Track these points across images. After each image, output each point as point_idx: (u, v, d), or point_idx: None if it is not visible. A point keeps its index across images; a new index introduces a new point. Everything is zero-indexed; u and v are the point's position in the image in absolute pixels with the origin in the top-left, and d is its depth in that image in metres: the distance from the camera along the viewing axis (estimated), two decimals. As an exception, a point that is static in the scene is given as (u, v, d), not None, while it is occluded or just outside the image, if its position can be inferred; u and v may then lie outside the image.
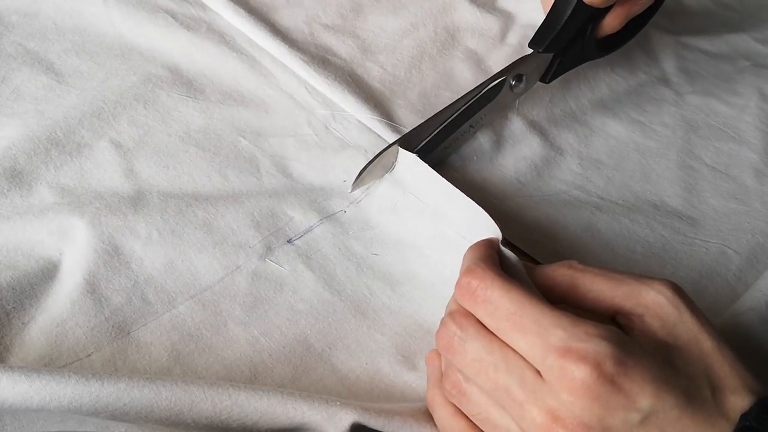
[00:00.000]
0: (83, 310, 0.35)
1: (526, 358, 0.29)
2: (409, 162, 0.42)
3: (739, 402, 0.28)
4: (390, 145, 0.42)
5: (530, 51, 0.47)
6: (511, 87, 0.46)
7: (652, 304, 0.30)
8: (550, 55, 0.47)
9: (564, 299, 0.32)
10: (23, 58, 0.46)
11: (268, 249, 0.40)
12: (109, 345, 0.34)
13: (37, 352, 0.33)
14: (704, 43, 0.61)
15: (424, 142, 0.43)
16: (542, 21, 0.46)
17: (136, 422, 0.31)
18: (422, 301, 0.39)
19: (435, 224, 0.41)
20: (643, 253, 0.44)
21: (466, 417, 0.31)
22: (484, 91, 0.45)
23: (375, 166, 0.42)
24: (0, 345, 0.33)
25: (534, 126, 0.50)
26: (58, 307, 0.35)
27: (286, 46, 0.49)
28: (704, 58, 0.59)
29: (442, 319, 0.32)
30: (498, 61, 0.54)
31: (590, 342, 0.27)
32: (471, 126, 0.46)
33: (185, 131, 0.45)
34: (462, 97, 0.44)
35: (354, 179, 0.42)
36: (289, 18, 0.53)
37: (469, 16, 0.57)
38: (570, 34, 0.46)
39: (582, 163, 0.49)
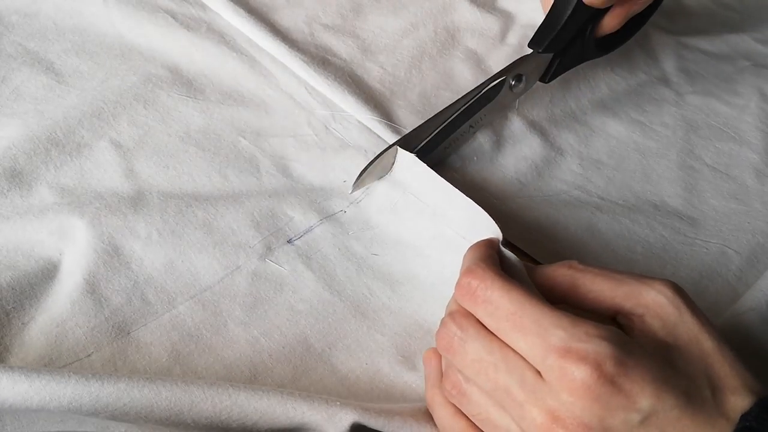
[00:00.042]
0: (83, 311, 0.35)
1: (527, 359, 0.29)
2: (408, 162, 0.42)
3: (739, 402, 0.28)
4: (390, 146, 0.42)
5: (530, 51, 0.47)
6: (511, 87, 0.46)
7: (653, 304, 0.30)
8: (550, 55, 0.47)
9: (564, 299, 0.32)
10: (23, 58, 0.46)
11: (268, 249, 0.40)
12: (109, 345, 0.34)
13: (37, 353, 0.33)
14: (704, 43, 0.61)
15: (424, 142, 0.43)
16: (542, 21, 0.46)
17: (136, 422, 0.31)
18: (422, 302, 0.39)
19: (435, 224, 0.41)
20: (643, 254, 0.44)
21: (466, 417, 0.31)
22: (484, 91, 0.45)
23: (375, 167, 0.42)
24: (0, 345, 0.33)
25: (534, 126, 0.50)
26: (58, 308, 0.35)
27: (286, 47, 0.49)
28: (704, 58, 0.59)
29: (442, 319, 0.32)
30: (498, 61, 0.54)
31: (590, 342, 0.27)
32: (471, 126, 0.46)
33: (185, 131, 0.45)
34: (462, 97, 0.44)
35: (354, 180, 0.42)
36: (289, 18, 0.53)
37: (469, 16, 0.57)
38: (570, 34, 0.46)
39: (582, 164, 0.49)
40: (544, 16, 0.46)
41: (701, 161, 0.51)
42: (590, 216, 0.45)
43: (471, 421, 0.31)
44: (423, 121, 0.44)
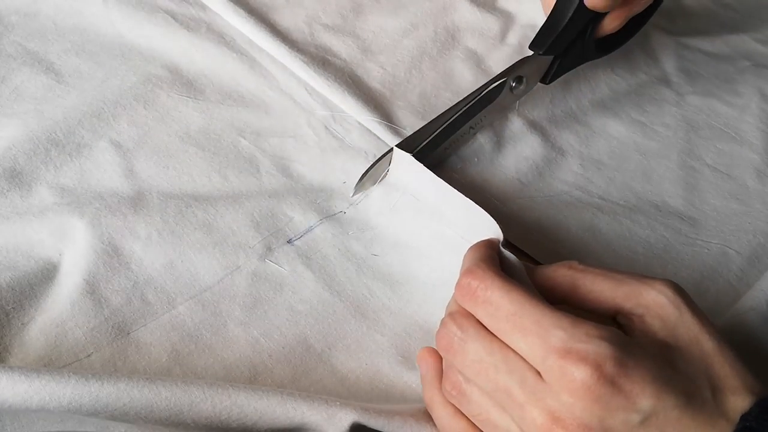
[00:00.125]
0: (83, 311, 0.35)
1: (527, 359, 0.29)
2: (405, 162, 0.42)
3: (739, 402, 0.28)
4: (390, 150, 0.42)
5: (530, 52, 0.47)
6: (512, 89, 0.46)
7: (653, 304, 0.30)
8: (551, 57, 0.47)
9: (564, 300, 0.32)
10: (23, 58, 0.46)
11: (268, 249, 0.40)
12: (108, 345, 0.34)
13: (36, 353, 0.33)
14: (704, 43, 0.61)
15: (424, 143, 0.43)
16: (543, 23, 0.46)
17: (136, 422, 0.31)
18: (422, 302, 0.39)
19: (434, 224, 0.41)
20: (644, 254, 0.44)
21: (466, 417, 0.31)
22: (484, 92, 0.45)
23: (375, 170, 0.42)
24: (0, 345, 0.33)
25: (535, 127, 0.50)
26: (58, 308, 0.35)
27: (286, 47, 0.49)
28: (704, 59, 0.59)
29: (443, 319, 0.32)
30: (498, 61, 0.54)
31: (591, 343, 0.27)
32: (471, 127, 0.46)
33: (185, 131, 0.45)
34: (462, 99, 0.44)
35: (356, 183, 0.42)
36: (289, 18, 0.53)
37: (469, 16, 0.57)
38: (571, 36, 0.46)
39: (583, 164, 0.49)
40: (544, 18, 0.46)
41: (702, 161, 0.51)
42: (591, 216, 0.45)
43: (471, 421, 0.31)
44: (424, 124, 0.44)
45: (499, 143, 0.48)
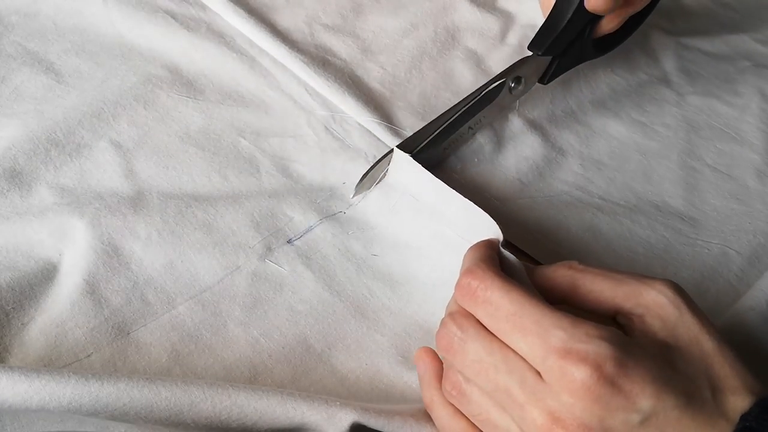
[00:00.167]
0: (83, 311, 0.35)
1: (527, 359, 0.29)
2: (404, 163, 0.42)
3: (739, 402, 0.28)
4: (390, 151, 0.42)
5: (529, 53, 0.47)
6: (510, 89, 0.46)
7: (653, 304, 0.30)
8: (549, 58, 0.47)
9: (564, 300, 0.32)
10: (23, 58, 0.46)
11: (268, 249, 0.40)
12: (108, 346, 0.34)
13: (36, 353, 0.33)
14: (704, 43, 0.61)
15: (424, 143, 0.43)
16: (542, 24, 0.46)
17: (136, 422, 0.31)
18: (422, 302, 0.39)
19: (433, 224, 0.41)
20: (645, 254, 0.44)
21: (466, 417, 0.31)
22: (483, 93, 0.45)
23: (375, 171, 0.42)
24: (0, 345, 0.33)
25: (535, 127, 0.50)
26: (58, 308, 0.35)
27: (286, 47, 0.49)
28: (704, 59, 0.59)
29: (442, 319, 0.32)
30: (498, 61, 0.54)
31: (591, 343, 0.27)
32: (470, 127, 0.46)
33: (185, 132, 0.44)
34: (462, 99, 0.44)
35: (356, 184, 0.42)
36: (289, 18, 0.53)
37: (469, 16, 0.57)
38: (570, 36, 0.46)
39: (583, 164, 0.49)
40: (543, 19, 0.46)
41: (702, 162, 0.51)
42: (591, 217, 0.45)
43: (471, 421, 0.31)
44: (423, 125, 0.44)
45: (499, 143, 0.48)
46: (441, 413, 0.32)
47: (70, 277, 0.36)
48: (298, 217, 0.41)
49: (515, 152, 0.48)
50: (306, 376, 0.35)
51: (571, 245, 0.44)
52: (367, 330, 0.37)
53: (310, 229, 0.41)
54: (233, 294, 0.37)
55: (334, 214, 0.42)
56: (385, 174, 0.43)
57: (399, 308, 0.39)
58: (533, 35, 0.47)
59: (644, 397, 0.27)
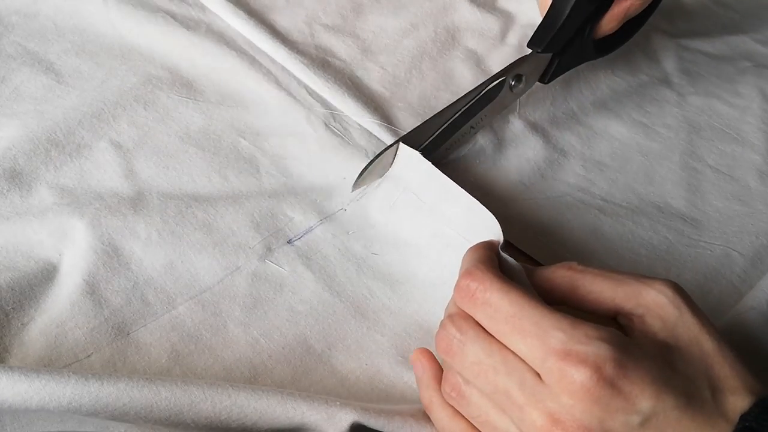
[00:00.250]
0: (83, 311, 0.35)
1: (526, 361, 0.29)
2: (411, 159, 0.42)
3: (739, 403, 0.28)
4: (390, 146, 0.42)
5: (529, 50, 0.47)
6: (511, 87, 0.46)
7: (653, 304, 0.30)
8: (549, 55, 0.46)
9: (564, 301, 0.32)
10: (23, 58, 0.46)
11: (268, 250, 0.40)
12: (108, 346, 0.34)
13: (36, 353, 0.33)
14: (705, 44, 0.61)
15: (426, 142, 0.43)
16: (541, 21, 0.46)
17: (136, 422, 0.31)
18: (422, 301, 0.39)
19: (434, 223, 0.41)
20: (647, 256, 0.44)
21: (465, 419, 0.31)
22: (484, 91, 0.45)
23: (375, 165, 0.42)
24: (0, 345, 0.33)
25: (536, 128, 0.50)
26: (58, 308, 0.35)
27: (286, 49, 0.49)
28: (705, 59, 0.59)
29: (442, 321, 0.32)
30: (498, 61, 0.54)
31: (590, 345, 0.27)
32: (471, 127, 0.46)
33: (185, 132, 0.44)
34: (462, 97, 0.44)
35: (355, 179, 0.42)
36: (289, 18, 0.53)
37: (469, 16, 0.57)
38: (569, 34, 0.46)
39: (585, 165, 0.49)
40: (540, 16, 0.46)
41: (704, 163, 0.51)
42: (594, 218, 0.45)
43: (470, 422, 0.31)
44: (423, 121, 0.43)
45: (500, 145, 0.48)
46: (440, 415, 0.32)
47: (70, 278, 0.36)
48: (298, 218, 0.41)
49: (517, 154, 0.48)
50: (306, 377, 0.35)
51: (573, 247, 0.44)
52: (367, 330, 0.37)
53: (310, 230, 0.41)
54: (233, 294, 0.37)
55: (335, 212, 0.42)
56: (387, 170, 0.43)
57: (399, 308, 0.39)
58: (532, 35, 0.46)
59: (644, 398, 0.27)
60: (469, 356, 0.30)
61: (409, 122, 0.48)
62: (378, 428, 0.32)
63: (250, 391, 0.31)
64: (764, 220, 0.47)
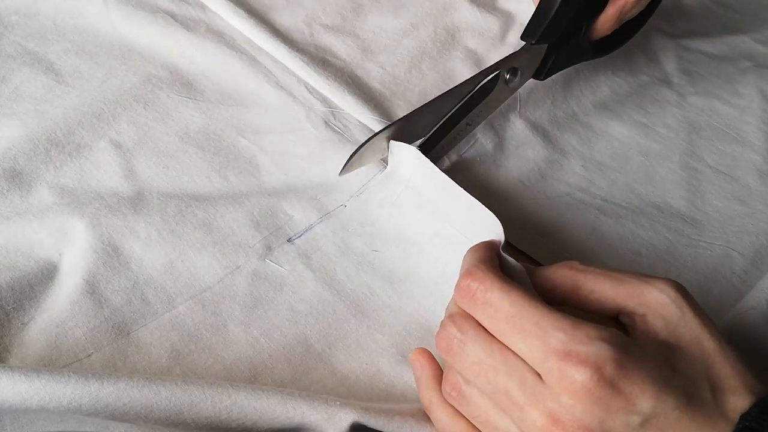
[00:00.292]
0: (83, 311, 0.35)
1: (527, 361, 0.29)
2: (410, 156, 0.42)
3: (739, 402, 0.28)
4: (381, 131, 0.42)
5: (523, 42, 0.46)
6: (506, 81, 0.45)
7: (655, 303, 0.30)
8: (544, 48, 0.46)
9: (566, 300, 0.32)
10: (23, 58, 0.46)
11: (268, 249, 0.40)
12: (108, 345, 0.34)
13: (36, 353, 0.33)
14: (705, 44, 0.61)
15: (423, 140, 0.43)
16: (533, 12, 0.46)
17: (136, 422, 0.30)
18: (422, 300, 0.39)
19: (436, 220, 0.41)
20: (647, 256, 0.44)
21: (465, 418, 0.31)
22: (478, 86, 0.44)
23: (366, 149, 0.42)
24: (0, 345, 0.33)
25: (537, 128, 0.50)
26: (58, 308, 0.35)
27: (286, 47, 0.49)
28: (705, 60, 0.59)
29: (442, 321, 0.32)
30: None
31: (591, 345, 0.27)
32: (468, 123, 0.45)
33: (185, 132, 0.44)
34: (456, 88, 0.44)
35: (343, 166, 0.42)
36: (289, 18, 0.53)
37: (469, 16, 0.57)
38: (562, 24, 0.45)
39: (585, 165, 0.49)
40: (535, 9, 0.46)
41: (704, 163, 0.51)
42: (594, 219, 0.45)
43: (470, 422, 0.31)
44: (413, 109, 0.43)
45: (500, 145, 0.48)
46: (440, 414, 0.32)
47: (70, 277, 0.36)
48: (298, 216, 0.41)
49: (517, 153, 0.48)
50: (306, 376, 0.35)
51: (573, 247, 0.44)
52: (368, 329, 0.37)
53: (310, 228, 0.41)
54: (233, 294, 0.37)
55: (335, 209, 0.42)
56: (378, 155, 0.42)
57: (399, 306, 0.39)
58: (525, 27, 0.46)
59: (644, 398, 0.27)
60: (470, 356, 0.30)
61: (409, 120, 0.48)
62: (378, 428, 0.32)
63: (250, 390, 0.31)
64: (764, 220, 0.47)
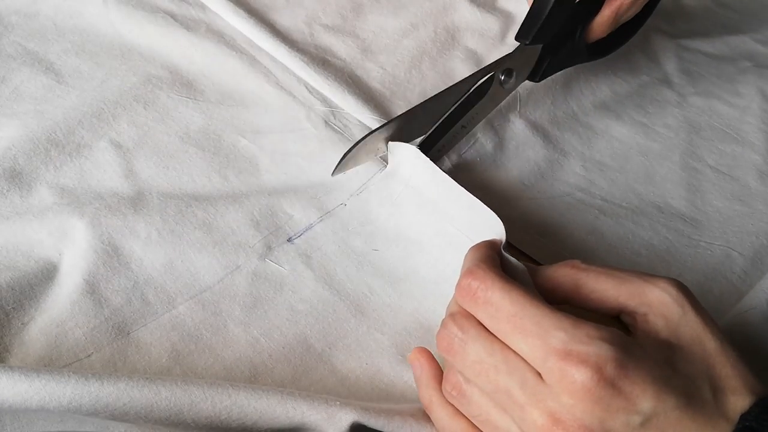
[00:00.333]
0: (83, 311, 0.35)
1: (527, 360, 0.29)
2: (410, 155, 0.42)
3: (739, 402, 0.28)
4: (372, 131, 0.42)
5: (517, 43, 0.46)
6: (501, 82, 0.45)
7: (657, 302, 0.30)
8: (538, 48, 0.46)
9: (567, 299, 0.32)
10: (23, 58, 0.46)
11: (268, 248, 0.40)
12: (109, 345, 0.34)
13: (36, 353, 0.33)
14: (705, 44, 0.61)
15: (421, 140, 0.43)
16: (527, 13, 0.45)
17: (136, 422, 0.30)
18: (422, 299, 0.39)
19: (436, 220, 0.41)
20: (647, 256, 0.44)
21: (466, 418, 0.31)
22: (473, 88, 0.44)
23: (359, 150, 0.42)
24: (0, 345, 0.33)
25: (537, 128, 0.50)
26: (58, 308, 0.35)
27: (286, 47, 0.49)
28: (705, 60, 0.59)
29: (443, 320, 0.32)
30: (498, 61, 0.54)
31: (591, 345, 0.27)
32: (463, 126, 0.45)
33: (185, 132, 0.44)
34: (450, 88, 0.43)
35: (336, 165, 0.42)
36: (289, 18, 0.53)
37: (469, 16, 0.57)
38: (556, 24, 0.45)
39: (585, 165, 0.49)
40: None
41: (704, 163, 0.51)
42: (594, 219, 0.45)
43: (471, 422, 0.31)
44: (408, 109, 0.43)
45: (500, 145, 0.48)
46: (440, 414, 0.32)
47: (70, 277, 0.36)
48: (298, 215, 0.41)
49: (517, 153, 0.48)
50: (306, 376, 0.35)
51: (573, 247, 0.44)
52: (368, 329, 0.37)
53: (310, 227, 0.41)
54: (233, 294, 0.37)
55: (335, 208, 0.42)
56: (371, 155, 0.42)
57: (399, 305, 0.39)
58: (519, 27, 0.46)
59: (645, 398, 0.27)
60: (471, 355, 0.30)
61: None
62: (378, 428, 0.32)
63: (250, 390, 0.31)
64: (764, 220, 0.47)
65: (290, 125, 0.46)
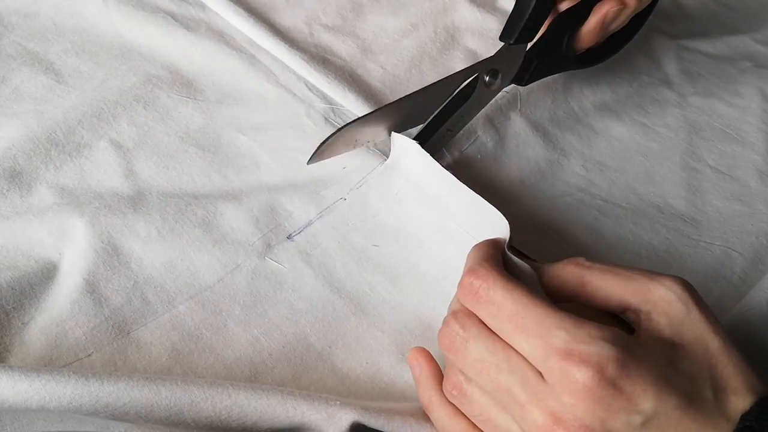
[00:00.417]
0: (83, 310, 0.35)
1: (528, 360, 0.28)
2: (411, 150, 0.41)
3: (740, 402, 0.28)
4: (351, 122, 0.41)
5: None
6: (486, 84, 0.45)
7: (660, 300, 0.30)
8: (523, 48, 0.45)
9: (572, 297, 0.32)
10: (23, 58, 0.46)
11: (268, 246, 0.40)
12: (109, 345, 0.34)
13: (37, 353, 0.33)
14: (705, 45, 0.61)
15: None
16: (510, 13, 0.45)
17: (136, 422, 0.30)
18: (423, 296, 0.39)
19: (437, 216, 0.40)
20: (647, 256, 0.44)
21: (466, 417, 0.31)
22: (458, 89, 0.43)
23: (336, 140, 0.41)
24: (0, 345, 0.33)
25: (537, 128, 0.50)
26: (58, 307, 0.35)
27: (286, 46, 0.49)
28: (705, 60, 0.59)
29: (445, 318, 0.32)
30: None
31: (593, 344, 0.27)
32: (449, 129, 0.44)
33: (185, 131, 0.44)
34: (435, 83, 0.43)
35: (312, 153, 0.41)
36: (289, 18, 0.53)
37: (469, 16, 0.57)
38: (540, 24, 0.44)
39: (585, 165, 0.49)
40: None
41: (704, 163, 0.51)
42: (594, 219, 0.45)
43: (471, 421, 0.31)
44: (394, 100, 0.43)
45: (501, 142, 0.48)
46: (440, 414, 0.32)
47: (70, 277, 0.36)
48: (298, 212, 0.41)
49: (517, 153, 0.48)
50: (306, 375, 0.35)
51: (573, 247, 0.43)
52: (368, 327, 0.37)
53: (309, 224, 0.41)
54: (233, 293, 0.37)
55: (335, 203, 0.42)
56: (351, 146, 0.42)
57: (399, 303, 0.39)
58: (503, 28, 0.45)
59: (646, 398, 0.27)
60: (472, 354, 0.30)
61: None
62: (378, 428, 0.32)
63: (251, 390, 0.31)
64: (764, 220, 0.47)
65: (290, 122, 0.46)
